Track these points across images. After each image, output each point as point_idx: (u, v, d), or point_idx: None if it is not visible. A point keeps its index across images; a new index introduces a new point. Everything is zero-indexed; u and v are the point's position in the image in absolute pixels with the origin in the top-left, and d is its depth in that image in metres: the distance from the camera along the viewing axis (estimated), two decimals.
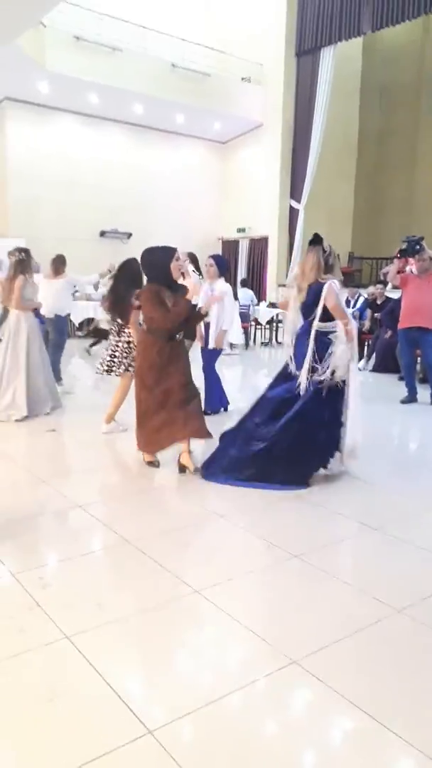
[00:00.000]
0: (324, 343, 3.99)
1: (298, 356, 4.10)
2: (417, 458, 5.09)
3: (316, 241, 4.10)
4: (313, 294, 4.01)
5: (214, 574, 2.79)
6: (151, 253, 4.08)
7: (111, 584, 2.74)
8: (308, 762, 1.78)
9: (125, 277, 4.95)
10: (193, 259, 6.08)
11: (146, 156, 14.49)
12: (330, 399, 4.03)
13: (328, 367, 3.95)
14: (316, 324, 4.01)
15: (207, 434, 4.12)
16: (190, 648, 2.29)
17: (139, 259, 4.29)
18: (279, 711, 1.97)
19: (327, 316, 3.99)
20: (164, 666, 2.17)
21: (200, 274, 5.93)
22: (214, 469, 4.09)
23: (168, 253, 4.02)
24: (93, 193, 13.63)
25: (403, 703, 1.99)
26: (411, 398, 6.74)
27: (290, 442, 3.94)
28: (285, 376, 4.23)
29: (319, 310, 3.98)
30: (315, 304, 4.00)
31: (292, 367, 4.15)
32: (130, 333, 5.01)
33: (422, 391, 6.83)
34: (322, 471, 4.13)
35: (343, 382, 4.05)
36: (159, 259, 4.02)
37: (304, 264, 4.14)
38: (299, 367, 4.06)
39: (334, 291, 3.94)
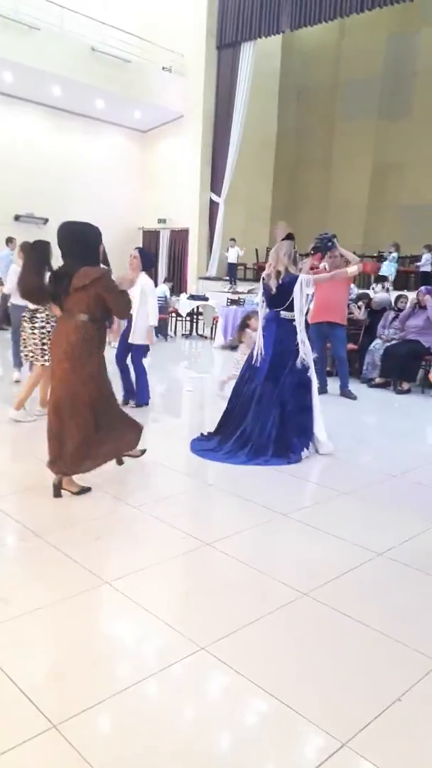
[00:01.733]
0: (288, 330, 4.52)
1: (266, 343, 4.54)
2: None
3: (289, 237, 4.61)
4: (287, 284, 4.44)
5: (124, 564, 2.78)
6: (78, 228, 3.47)
7: (17, 578, 2.66)
8: (219, 749, 1.81)
9: (38, 260, 4.56)
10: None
11: (64, 140, 14.08)
12: (305, 386, 4.57)
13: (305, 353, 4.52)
14: (285, 313, 4.51)
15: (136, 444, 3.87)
16: (97, 639, 2.27)
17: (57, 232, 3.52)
18: (187, 699, 1.99)
19: (291, 306, 4.49)
20: (70, 658, 2.14)
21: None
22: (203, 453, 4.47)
23: (99, 233, 3.49)
24: (7, 175, 13.08)
25: (306, 685, 2.07)
26: (321, 390, 6.92)
27: (278, 423, 4.44)
28: (254, 368, 4.61)
29: (299, 301, 4.41)
30: (288, 293, 4.43)
31: (256, 354, 4.59)
32: (43, 318, 4.94)
33: (332, 383, 7.10)
34: (305, 452, 4.52)
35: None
36: (92, 238, 3.47)
37: (278, 250, 4.54)
38: (268, 352, 4.52)
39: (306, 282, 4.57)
